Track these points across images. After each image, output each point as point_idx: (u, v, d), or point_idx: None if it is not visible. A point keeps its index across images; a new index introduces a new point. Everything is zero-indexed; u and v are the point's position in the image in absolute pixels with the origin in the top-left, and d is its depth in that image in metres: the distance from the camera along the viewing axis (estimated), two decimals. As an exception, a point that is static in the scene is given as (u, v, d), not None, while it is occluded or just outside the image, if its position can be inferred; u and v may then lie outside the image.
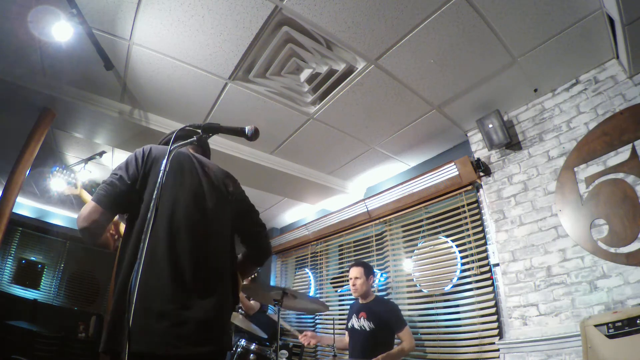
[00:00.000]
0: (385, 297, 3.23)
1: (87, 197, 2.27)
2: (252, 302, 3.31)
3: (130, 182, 1.13)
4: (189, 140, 1.10)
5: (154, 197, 0.96)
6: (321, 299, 3.76)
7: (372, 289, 3.31)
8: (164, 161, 1.01)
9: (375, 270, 3.41)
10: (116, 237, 1.56)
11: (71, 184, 2.06)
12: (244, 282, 2.99)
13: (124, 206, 1.14)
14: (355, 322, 2.65)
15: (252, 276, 3.05)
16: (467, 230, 2.75)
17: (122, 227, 1.44)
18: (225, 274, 1.21)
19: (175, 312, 1.01)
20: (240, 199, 1.40)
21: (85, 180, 3.66)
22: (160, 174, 0.99)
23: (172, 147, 1.04)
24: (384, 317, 2.53)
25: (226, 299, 1.19)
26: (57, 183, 3.03)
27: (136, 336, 0.90)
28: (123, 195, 1.11)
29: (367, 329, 2.53)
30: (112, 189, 1.10)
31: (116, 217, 1.25)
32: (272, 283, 5.02)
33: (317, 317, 4.10)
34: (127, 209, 1.14)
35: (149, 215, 0.93)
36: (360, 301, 2.73)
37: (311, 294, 4.27)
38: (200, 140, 1.16)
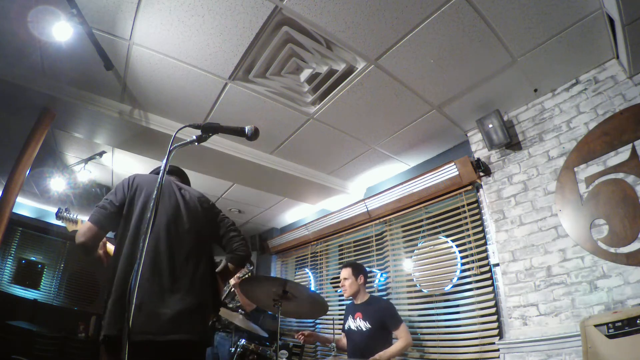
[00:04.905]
0: (384, 297, 3.23)
1: None
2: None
3: (118, 204, 1.41)
4: (188, 141, 1.24)
5: (139, 209, 1.33)
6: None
7: (372, 290, 3.33)
8: (160, 175, 1.18)
9: (375, 270, 3.42)
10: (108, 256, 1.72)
11: (72, 220, 2.03)
12: (232, 282, 3.06)
13: (113, 225, 1.40)
14: (351, 323, 2.65)
15: (246, 275, 3.06)
16: (467, 230, 2.75)
17: (109, 247, 1.64)
18: (199, 277, 1.43)
19: (153, 306, 1.25)
20: (214, 212, 1.66)
21: (86, 180, 3.66)
22: (156, 188, 1.16)
23: (172, 147, 1.17)
24: (379, 316, 2.53)
25: (203, 298, 1.41)
26: (58, 184, 2.95)
27: (134, 325, 1.06)
28: (112, 217, 1.39)
29: (364, 329, 2.53)
30: (104, 212, 1.38)
31: (104, 239, 1.54)
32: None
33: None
34: (115, 228, 1.41)
35: (145, 217, 1.13)
36: (355, 302, 2.72)
37: (311, 294, 4.27)
38: (178, 172, 1.78)
